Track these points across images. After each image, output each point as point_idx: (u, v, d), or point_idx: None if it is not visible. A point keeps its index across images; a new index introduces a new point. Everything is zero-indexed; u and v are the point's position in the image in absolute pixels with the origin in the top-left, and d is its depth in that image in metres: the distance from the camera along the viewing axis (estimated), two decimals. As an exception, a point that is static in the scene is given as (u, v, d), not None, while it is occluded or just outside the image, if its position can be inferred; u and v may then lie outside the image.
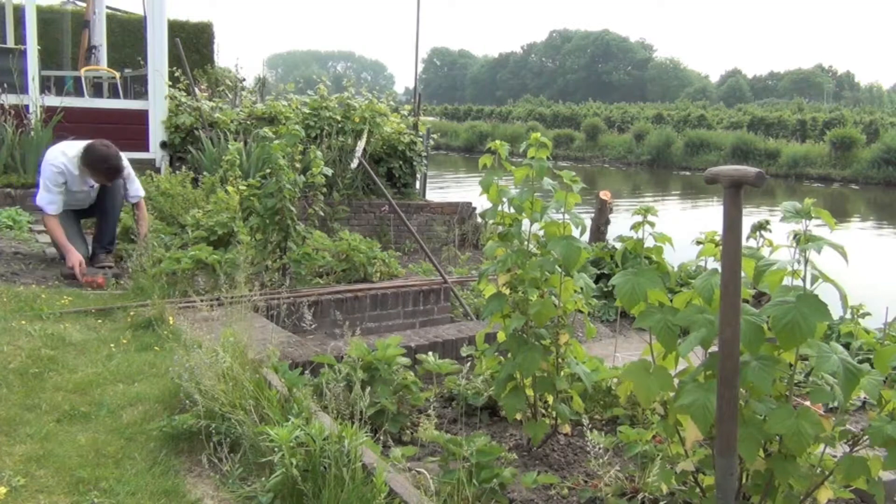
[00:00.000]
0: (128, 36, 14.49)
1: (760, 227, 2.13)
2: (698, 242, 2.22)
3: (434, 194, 12.73)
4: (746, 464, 2.01)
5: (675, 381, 2.14)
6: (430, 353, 3.50)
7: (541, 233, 2.79)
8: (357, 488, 2.05)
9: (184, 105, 9.04)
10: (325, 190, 6.10)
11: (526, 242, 2.81)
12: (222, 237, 5.33)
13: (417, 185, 10.24)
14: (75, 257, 4.95)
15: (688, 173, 29.88)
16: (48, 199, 5.09)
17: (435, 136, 12.41)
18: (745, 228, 1.93)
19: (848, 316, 2.46)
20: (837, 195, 24.22)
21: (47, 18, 12.85)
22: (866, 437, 2.00)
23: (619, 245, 2.38)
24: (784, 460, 1.98)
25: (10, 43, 10.28)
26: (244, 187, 5.39)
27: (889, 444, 1.93)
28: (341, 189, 8.75)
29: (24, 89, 8.31)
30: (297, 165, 5.38)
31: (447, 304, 5.69)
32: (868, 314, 5.24)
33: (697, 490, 2.28)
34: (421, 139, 10.09)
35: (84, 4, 11.55)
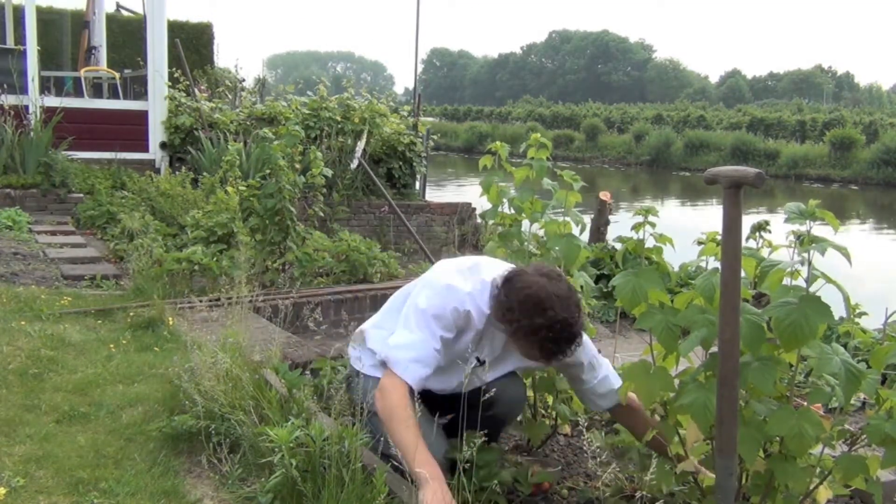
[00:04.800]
0: (128, 36, 14.48)
1: (760, 227, 2.13)
2: (699, 242, 2.22)
3: (434, 195, 12.74)
4: (746, 464, 2.01)
5: (676, 381, 2.14)
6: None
7: (541, 233, 2.79)
8: (357, 489, 2.04)
9: (183, 106, 9.05)
10: (324, 190, 6.11)
11: (526, 243, 2.81)
12: (222, 238, 5.32)
13: (417, 185, 10.24)
14: (439, 498, 1.99)
15: (687, 174, 29.88)
16: (413, 351, 2.22)
17: (434, 136, 12.44)
18: (745, 229, 1.93)
19: (847, 317, 2.46)
20: (837, 196, 24.22)
21: (47, 19, 12.84)
22: (864, 435, 2.00)
23: (619, 246, 2.38)
24: (784, 461, 1.98)
25: (10, 43, 10.27)
26: (244, 188, 5.39)
27: (887, 442, 1.92)
28: (341, 190, 8.75)
29: (23, 90, 8.31)
30: (297, 166, 5.38)
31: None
32: (865, 314, 5.25)
33: (697, 490, 2.28)
34: (420, 140, 10.10)
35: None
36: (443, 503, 1.98)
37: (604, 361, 2.52)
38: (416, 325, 2.24)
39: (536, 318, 2.09)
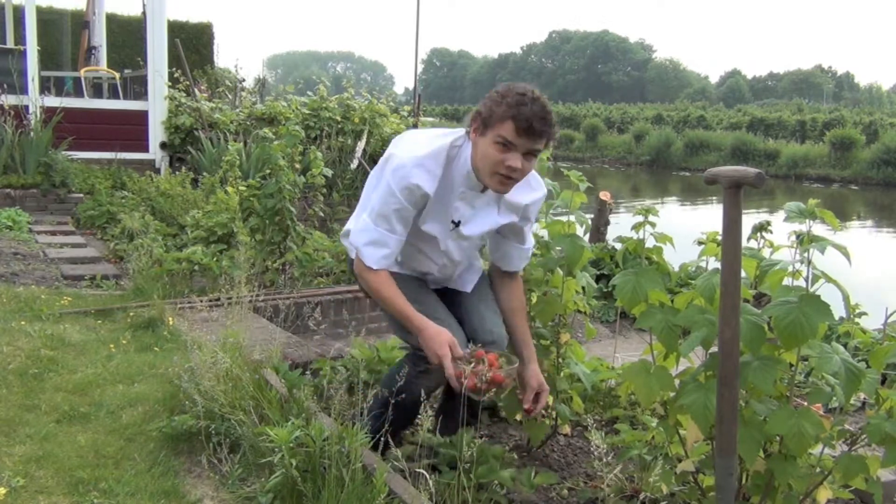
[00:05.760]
0: (127, 36, 14.49)
1: (761, 228, 2.13)
2: (699, 242, 2.22)
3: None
4: (746, 464, 2.01)
5: (676, 381, 2.14)
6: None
7: (541, 233, 2.79)
8: (357, 489, 2.04)
9: (183, 106, 9.05)
10: (324, 190, 6.10)
11: (526, 243, 2.80)
12: (222, 238, 5.32)
13: (417, 185, 10.24)
14: (439, 336, 2.26)
15: (687, 174, 29.87)
16: (371, 236, 2.33)
17: (435, 136, 12.42)
18: (746, 229, 1.93)
19: (847, 316, 2.47)
20: (837, 196, 24.22)
21: (47, 19, 12.85)
22: (864, 435, 2.00)
23: (619, 246, 2.38)
24: (784, 461, 1.98)
25: (10, 43, 10.28)
26: (244, 188, 5.38)
27: (887, 442, 1.92)
28: (341, 190, 8.75)
29: (23, 90, 8.31)
30: (297, 166, 5.37)
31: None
32: (865, 314, 5.25)
33: (697, 490, 2.28)
34: (421, 140, 10.09)
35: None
36: (446, 341, 2.23)
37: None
38: (370, 211, 2.36)
39: (525, 95, 2.25)
